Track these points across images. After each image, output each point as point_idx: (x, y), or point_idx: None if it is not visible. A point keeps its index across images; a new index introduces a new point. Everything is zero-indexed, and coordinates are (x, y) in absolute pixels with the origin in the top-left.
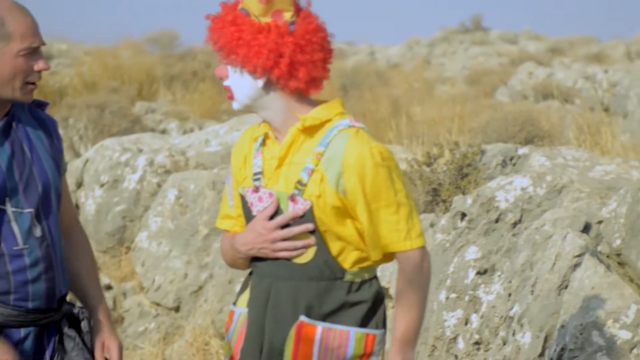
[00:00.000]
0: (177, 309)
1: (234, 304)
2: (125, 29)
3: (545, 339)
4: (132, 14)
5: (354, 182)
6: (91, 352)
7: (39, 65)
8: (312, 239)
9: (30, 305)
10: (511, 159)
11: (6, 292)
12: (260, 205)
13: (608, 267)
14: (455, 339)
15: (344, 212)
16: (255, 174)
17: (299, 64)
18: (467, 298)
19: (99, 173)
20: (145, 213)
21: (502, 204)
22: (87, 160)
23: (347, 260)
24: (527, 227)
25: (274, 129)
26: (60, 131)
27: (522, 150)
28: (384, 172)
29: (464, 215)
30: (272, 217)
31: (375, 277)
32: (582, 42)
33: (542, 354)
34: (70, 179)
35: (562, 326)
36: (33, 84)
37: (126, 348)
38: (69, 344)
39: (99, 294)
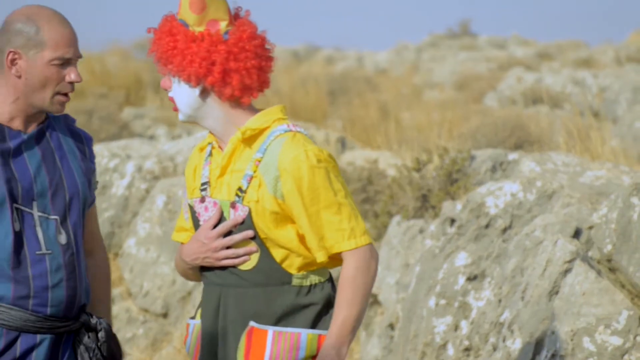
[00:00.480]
0: (165, 315)
1: (192, 317)
2: (112, 34)
3: (536, 345)
4: (120, 19)
5: (291, 185)
6: None
7: (70, 76)
8: (253, 246)
9: (48, 311)
10: (501, 165)
11: (25, 296)
12: (207, 215)
13: (599, 272)
14: (444, 345)
15: (284, 217)
16: (202, 184)
17: (232, 71)
18: (456, 304)
19: None
20: (134, 219)
21: (492, 209)
22: None
23: (293, 265)
24: (517, 233)
25: (217, 138)
26: None
27: (512, 156)
28: (321, 174)
29: (453, 221)
30: (216, 226)
31: (328, 281)
32: (571, 46)
33: None
34: None
35: (553, 332)
36: (65, 95)
37: None
38: (86, 355)
39: (107, 317)
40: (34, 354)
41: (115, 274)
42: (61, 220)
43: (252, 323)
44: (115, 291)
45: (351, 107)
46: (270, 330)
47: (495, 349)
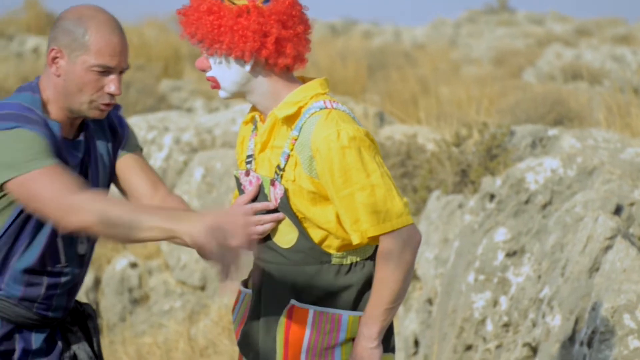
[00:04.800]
0: (202, 288)
1: (244, 284)
2: (149, 8)
3: (576, 322)
4: None
5: (322, 167)
6: (92, 346)
7: (110, 87)
8: (291, 227)
9: (50, 314)
10: (541, 140)
11: (33, 299)
12: (250, 189)
13: None
14: (483, 320)
15: (321, 196)
16: (248, 156)
17: (285, 40)
18: (495, 280)
19: None
20: (172, 191)
21: (531, 185)
22: None
23: (332, 246)
24: (557, 209)
25: (261, 112)
26: None
27: (552, 132)
28: (353, 154)
29: (492, 196)
30: (254, 202)
31: (369, 259)
32: (609, 23)
33: (572, 337)
34: None
35: (593, 309)
36: (104, 104)
37: (151, 326)
38: (72, 338)
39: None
40: (32, 345)
41: (152, 246)
42: None
43: (293, 301)
44: (153, 263)
45: (389, 81)
46: (312, 310)
47: (534, 325)
